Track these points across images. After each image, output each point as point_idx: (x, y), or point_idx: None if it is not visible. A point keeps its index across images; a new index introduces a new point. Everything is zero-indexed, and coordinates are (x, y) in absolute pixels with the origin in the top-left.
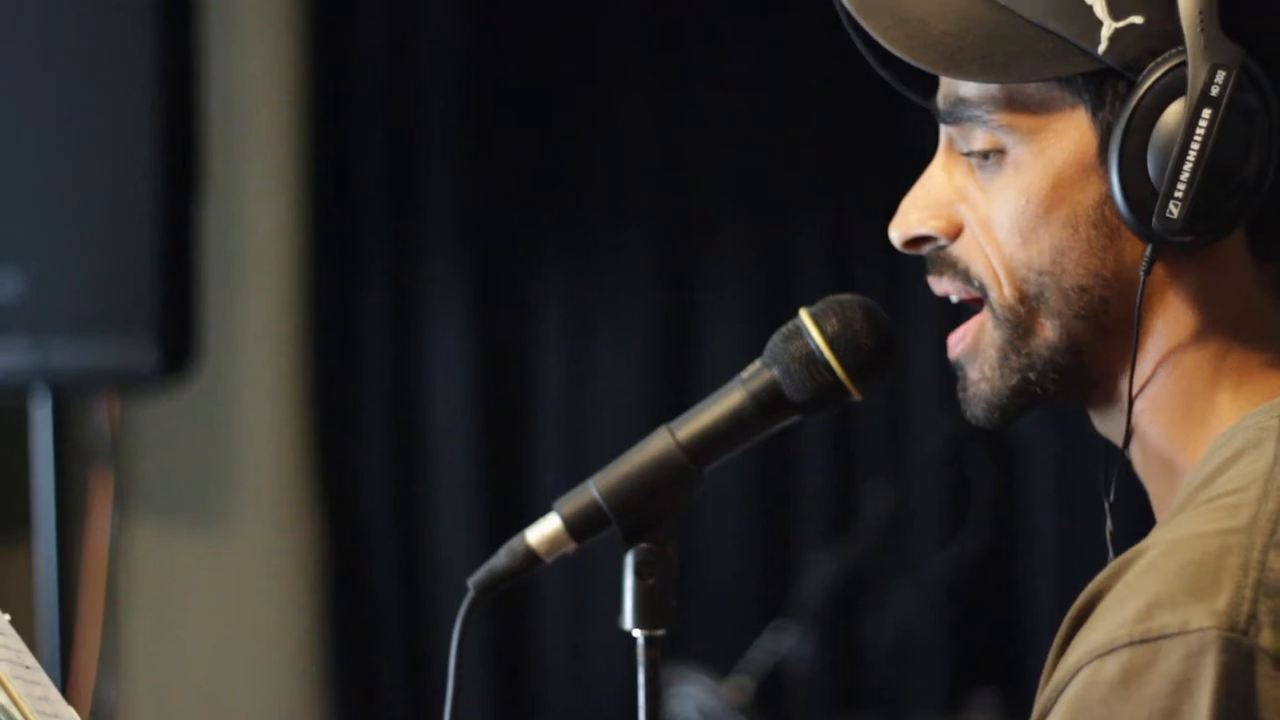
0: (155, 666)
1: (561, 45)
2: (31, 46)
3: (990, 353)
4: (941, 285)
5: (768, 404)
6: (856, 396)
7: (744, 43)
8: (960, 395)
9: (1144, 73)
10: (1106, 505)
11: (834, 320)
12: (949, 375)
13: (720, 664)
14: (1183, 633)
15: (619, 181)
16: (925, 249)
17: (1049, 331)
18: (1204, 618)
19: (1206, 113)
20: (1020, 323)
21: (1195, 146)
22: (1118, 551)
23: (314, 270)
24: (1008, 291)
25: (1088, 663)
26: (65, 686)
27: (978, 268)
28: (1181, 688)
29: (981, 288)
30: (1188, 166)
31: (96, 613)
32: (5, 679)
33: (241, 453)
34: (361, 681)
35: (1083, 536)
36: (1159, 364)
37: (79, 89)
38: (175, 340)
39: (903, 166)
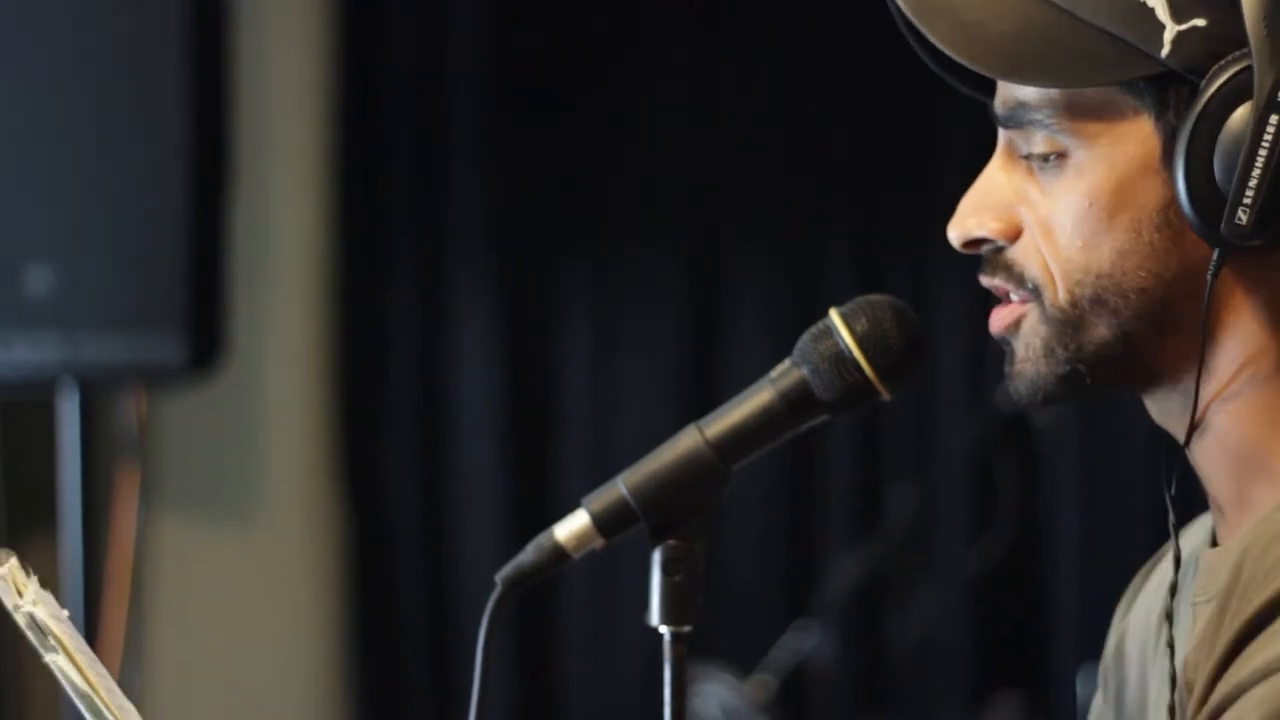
0: (180, 660)
1: (590, 48)
2: (63, 44)
3: (1035, 341)
4: (994, 282)
5: (796, 403)
6: (886, 396)
7: (772, 46)
8: (1006, 370)
9: (1208, 76)
10: (1168, 497)
11: (864, 320)
12: (976, 378)
13: (744, 662)
14: None
15: (647, 184)
16: (984, 249)
17: (1102, 329)
18: None
19: (1274, 119)
20: (1069, 321)
21: (1263, 152)
22: (1178, 543)
23: (342, 267)
24: (1062, 295)
25: (1279, 669)
26: None
27: (1033, 270)
28: None
29: (1035, 289)
30: (1256, 172)
31: (122, 607)
32: (84, 666)
33: (268, 448)
34: (385, 678)
35: (1107, 539)
36: (1240, 366)
37: (110, 85)
38: (203, 336)
39: (931, 172)
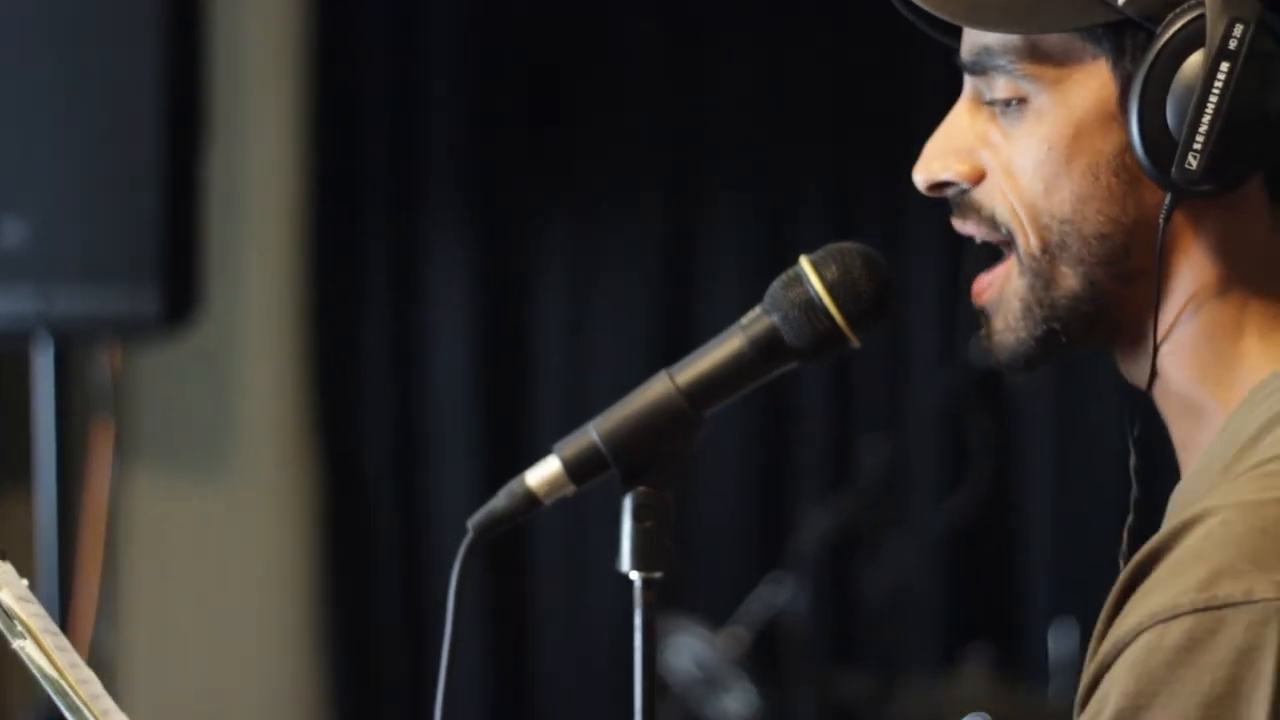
0: (154, 615)
1: (567, 8)
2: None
3: (1014, 304)
4: (967, 228)
5: (766, 350)
6: (855, 343)
7: (749, 12)
8: (983, 340)
9: (1163, 24)
10: (1131, 441)
11: (834, 267)
12: (949, 330)
13: (716, 615)
14: (1247, 602)
15: (621, 140)
16: (949, 193)
17: (1071, 280)
18: (1268, 588)
19: (1225, 66)
20: (1042, 272)
21: (1214, 99)
22: (1142, 486)
23: (316, 220)
24: (1033, 239)
25: (1149, 626)
26: (64, 634)
27: (1003, 212)
28: (1244, 656)
29: (1008, 233)
30: (1206, 118)
31: (96, 560)
32: (51, 651)
33: (243, 401)
34: (361, 627)
35: (1081, 493)
36: (1182, 309)
37: (84, 38)
38: (177, 289)
39: (904, 126)
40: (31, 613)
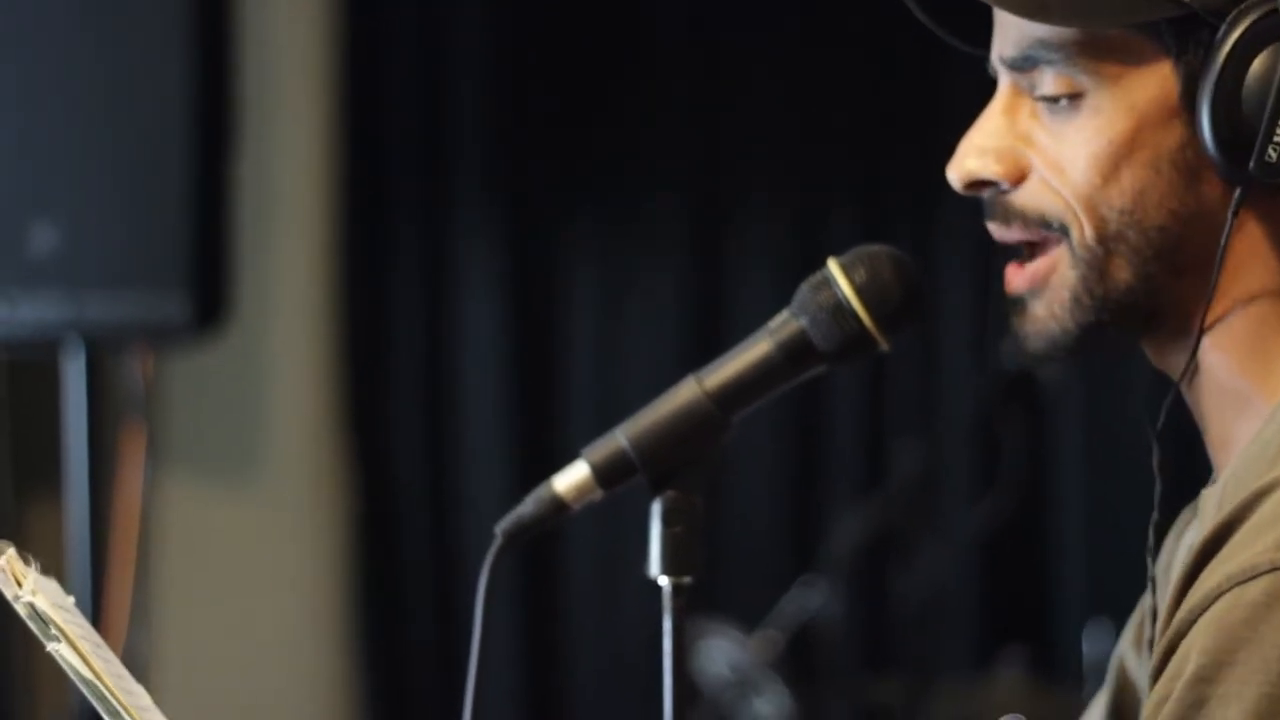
0: (186, 620)
1: (597, 13)
2: (69, 5)
3: (1063, 293)
4: (1010, 233)
5: (795, 353)
6: (884, 346)
7: (778, 12)
8: (1019, 329)
9: (1230, 19)
10: (1153, 436)
11: (862, 270)
12: (981, 334)
13: (749, 619)
14: None
15: (652, 147)
16: (985, 193)
17: (1125, 272)
18: None
19: None
20: (1096, 264)
21: None
22: (1165, 481)
23: (347, 225)
24: (1089, 231)
25: (1229, 588)
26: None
27: (1055, 209)
28: None
29: (1062, 228)
30: None
31: (128, 566)
32: (88, 654)
33: (273, 407)
34: (391, 635)
35: (1114, 495)
36: (1234, 302)
37: (114, 44)
38: (208, 294)
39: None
40: (67, 619)
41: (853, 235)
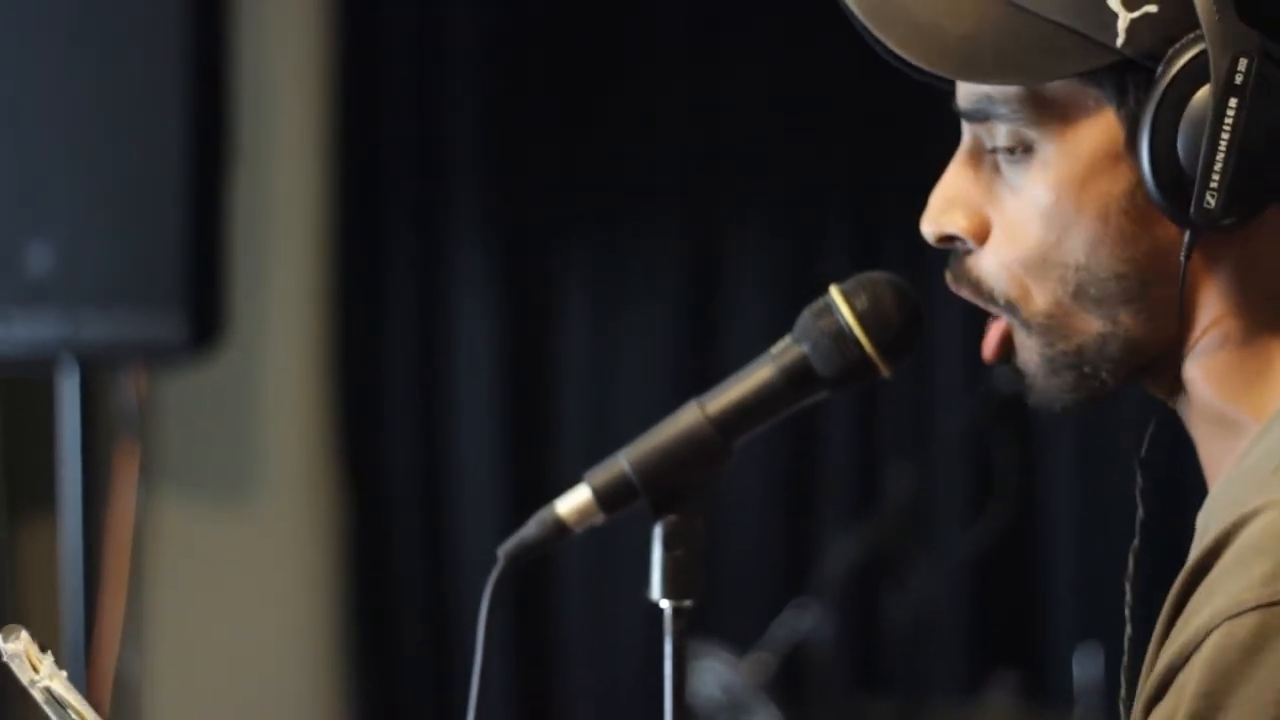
0: (179, 640)
1: (591, 22)
2: (64, 23)
3: (1033, 358)
4: (961, 291)
5: (797, 379)
6: (885, 373)
7: (772, 20)
8: (1028, 393)
9: (1164, 61)
10: (1136, 462)
11: (864, 297)
12: (973, 357)
13: (742, 641)
14: None
15: (647, 158)
16: (955, 245)
17: (1094, 324)
18: None
19: (1233, 102)
20: (1057, 326)
21: (1225, 135)
22: (1146, 508)
23: (341, 245)
24: (1040, 302)
25: (1218, 625)
26: (89, 659)
27: (1001, 285)
28: None
29: (1008, 305)
30: (1220, 155)
31: (121, 585)
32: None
33: (267, 427)
34: (385, 653)
35: (1105, 519)
36: (1206, 334)
37: (110, 63)
38: (203, 314)
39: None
40: (82, 703)
41: (847, 257)
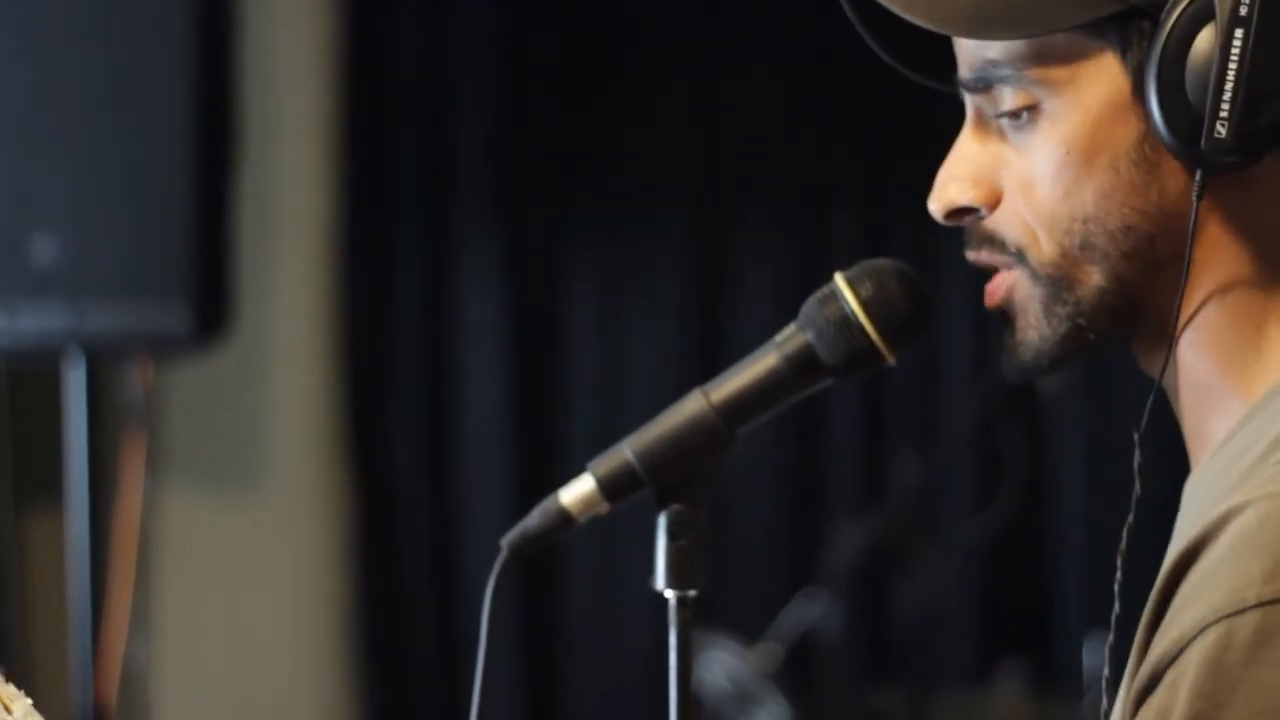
0: (186, 629)
1: (597, 20)
2: (69, 14)
3: (1033, 305)
4: (980, 257)
5: (801, 367)
6: (890, 360)
7: (777, 17)
8: (1007, 343)
9: (1167, 6)
10: (1136, 437)
11: (869, 284)
12: (981, 346)
13: (750, 631)
14: None
15: (653, 152)
16: (965, 220)
17: (1095, 276)
18: None
19: (1239, 33)
20: (1063, 276)
21: (1233, 65)
22: (1144, 485)
23: (347, 235)
24: (1048, 250)
25: (1215, 621)
26: (96, 649)
27: (1015, 234)
28: None
29: (1018, 252)
30: (1229, 86)
31: (128, 576)
32: None
33: (274, 418)
34: (391, 644)
35: (1114, 507)
36: (1208, 296)
37: (115, 55)
38: (209, 305)
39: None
40: None
41: (853, 243)
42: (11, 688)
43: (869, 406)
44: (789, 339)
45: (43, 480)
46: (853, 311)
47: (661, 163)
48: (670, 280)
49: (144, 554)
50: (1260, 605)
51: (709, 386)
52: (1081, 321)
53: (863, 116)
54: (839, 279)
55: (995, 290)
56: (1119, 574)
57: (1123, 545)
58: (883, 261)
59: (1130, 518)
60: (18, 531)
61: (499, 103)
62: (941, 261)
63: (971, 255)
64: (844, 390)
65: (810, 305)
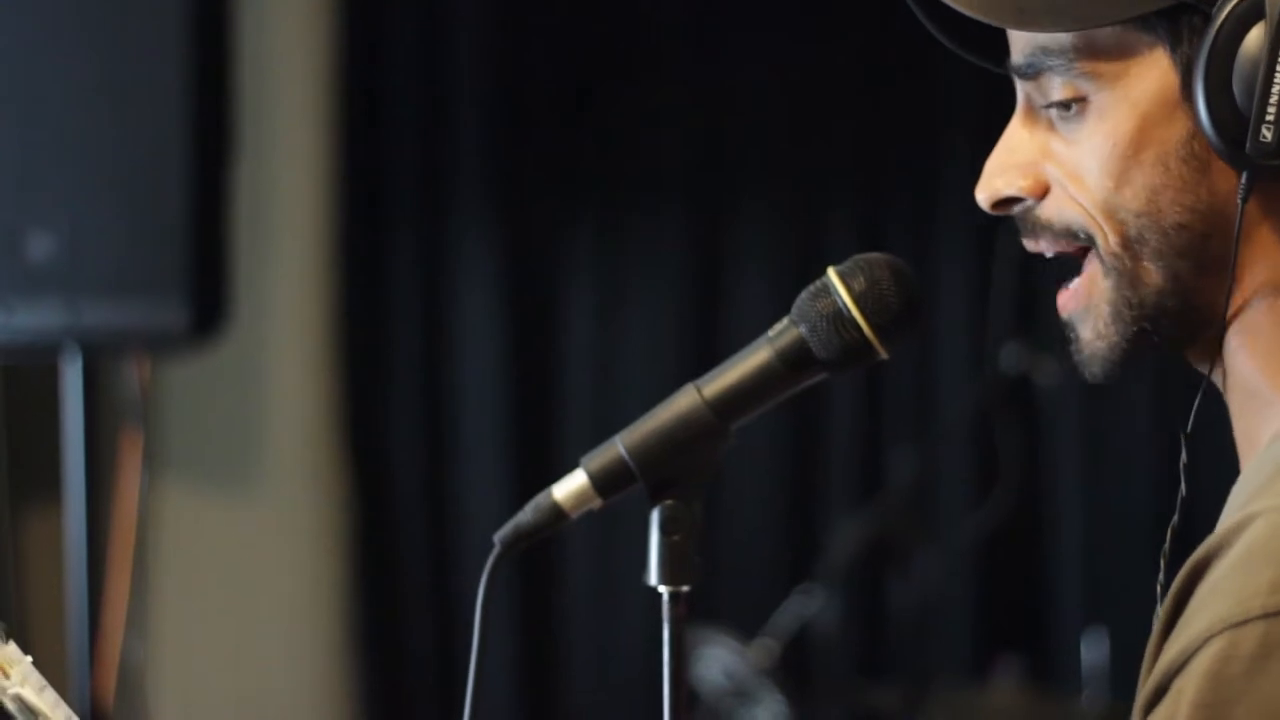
0: (183, 627)
1: (596, 12)
2: (67, 10)
3: (1103, 308)
4: (1039, 246)
5: (794, 361)
6: (883, 355)
7: (773, 10)
8: (1074, 354)
9: (1218, 3)
10: (1183, 437)
11: (861, 279)
12: (978, 341)
13: (747, 627)
14: None
15: (649, 150)
16: (1014, 210)
17: (1155, 275)
18: None
19: None
20: (1127, 271)
21: None
22: (1189, 483)
23: (344, 232)
24: (1111, 237)
25: (1220, 631)
26: (93, 646)
27: (1078, 220)
28: None
29: (1088, 237)
30: (1275, 90)
31: (125, 572)
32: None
33: (271, 414)
34: (389, 642)
35: (1111, 503)
36: (1254, 294)
37: (112, 50)
38: (206, 301)
39: (932, 136)
40: (50, 701)
41: (850, 241)
42: (13, 648)
43: (865, 402)
44: (782, 333)
45: (39, 477)
46: (845, 305)
47: (659, 160)
48: (666, 277)
49: (141, 550)
50: (1265, 617)
51: (702, 381)
52: (1146, 325)
53: (860, 112)
54: (831, 273)
55: (1073, 296)
56: (1160, 575)
57: (1166, 545)
58: (876, 256)
59: (1175, 518)
60: (14, 528)
61: (496, 99)
62: (938, 255)
63: (1029, 244)
64: (840, 386)
65: (803, 299)
